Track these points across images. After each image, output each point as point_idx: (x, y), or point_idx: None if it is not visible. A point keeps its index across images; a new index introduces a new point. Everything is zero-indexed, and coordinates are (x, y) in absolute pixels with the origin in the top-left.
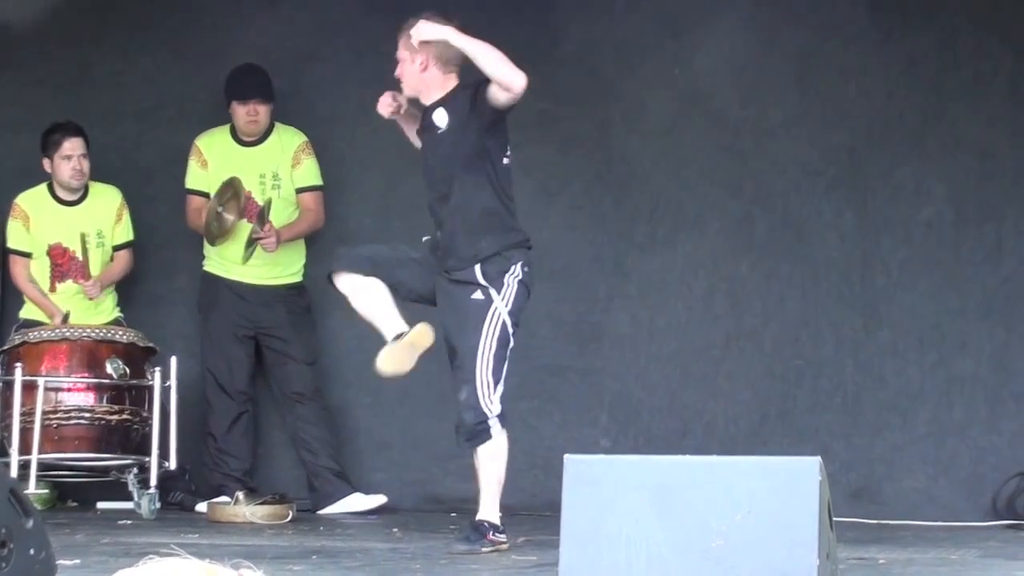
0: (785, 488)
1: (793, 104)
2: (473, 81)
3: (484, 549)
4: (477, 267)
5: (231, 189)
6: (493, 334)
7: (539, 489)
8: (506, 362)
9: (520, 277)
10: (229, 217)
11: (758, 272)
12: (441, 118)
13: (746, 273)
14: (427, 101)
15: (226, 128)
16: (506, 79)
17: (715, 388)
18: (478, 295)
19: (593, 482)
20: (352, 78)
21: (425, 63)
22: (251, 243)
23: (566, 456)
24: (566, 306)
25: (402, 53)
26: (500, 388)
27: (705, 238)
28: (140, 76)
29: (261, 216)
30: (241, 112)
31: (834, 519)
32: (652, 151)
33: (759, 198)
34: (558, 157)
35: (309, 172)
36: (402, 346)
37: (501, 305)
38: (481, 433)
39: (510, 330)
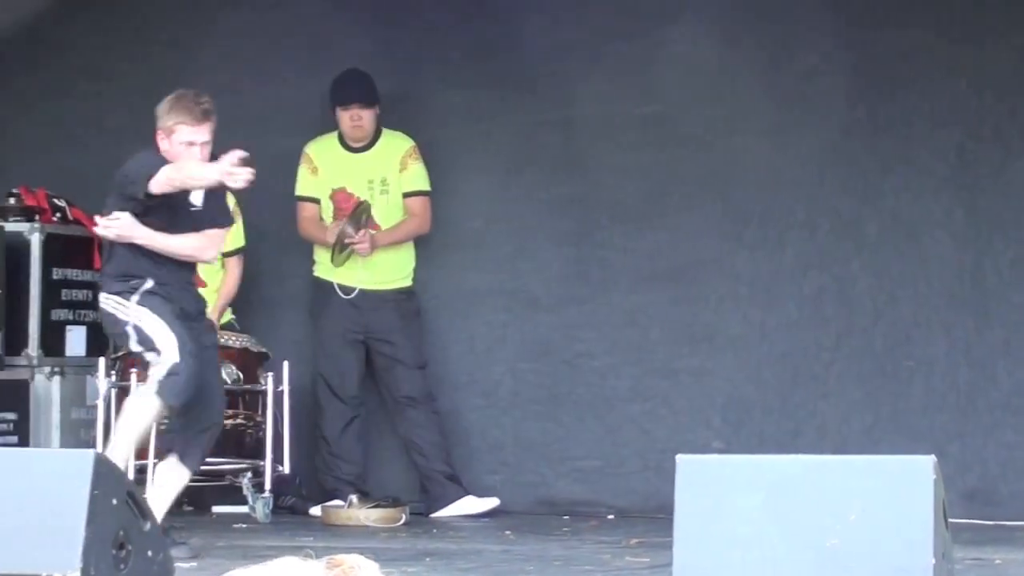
0: (899, 487)
1: (903, 103)
2: None
3: None
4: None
5: (364, 214)
6: None
7: (652, 491)
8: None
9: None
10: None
11: (868, 272)
12: (199, 196)
13: (856, 273)
14: None
15: (335, 134)
16: None
17: (826, 388)
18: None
19: (706, 482)
20: (459, 82)
21: None
22: (344, 247)
23: (678, 457)
24: (677, 308)
25: (208, 135)
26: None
27: (815, 238)
28: (249, 83)
29: (356, 220)
30: (345, 117)
31: (949, 520)
32: (760, 151)
33: (869, 198)
34: (667, 159)
35: (416, 177)
36: None
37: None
38: None
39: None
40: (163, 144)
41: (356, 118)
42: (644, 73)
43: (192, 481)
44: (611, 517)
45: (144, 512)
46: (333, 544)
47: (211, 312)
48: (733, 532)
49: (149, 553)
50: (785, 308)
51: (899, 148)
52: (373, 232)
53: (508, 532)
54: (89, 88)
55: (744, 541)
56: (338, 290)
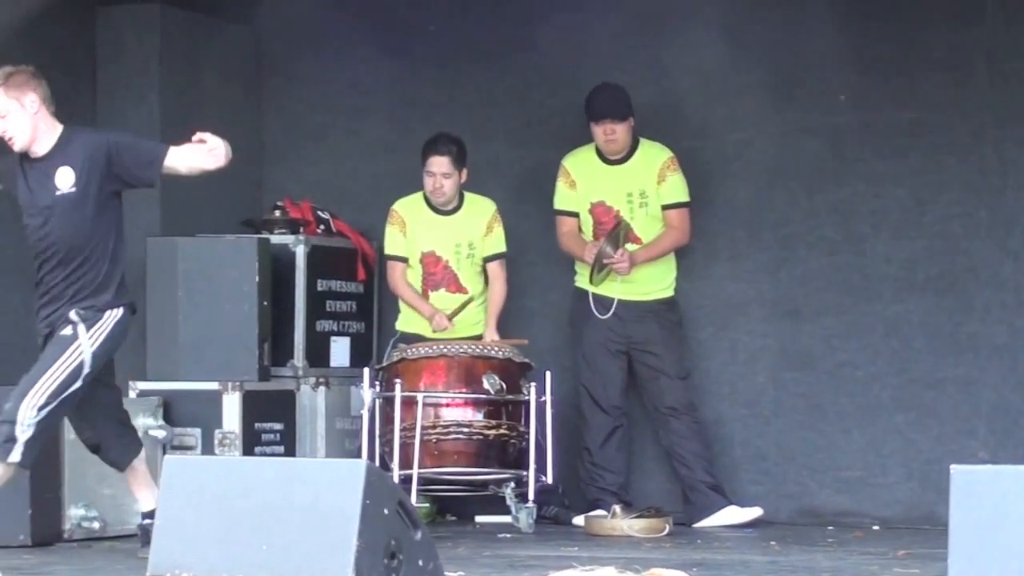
0: None
1: None
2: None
3: None
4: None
5: (622, 233)
6: None
7: (917, 502)
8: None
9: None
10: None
11: None
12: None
13: None
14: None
15: (592, 146)
16: None
17: None
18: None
19: (981, 494)
20: (718, 91)
21: (37, 106)
22: (603, 266)
23: (952, 467)
24: (942, 316)
25: (5, 104)
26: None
27: None
28: (508, 94)
29: (615, 240)
30: (598, 132)
31: None
32: None
33: None
34: (930, 165)
35: (675, 188)
36: None
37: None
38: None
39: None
40: None
41: (609, 132)
42: (902, 77)
43: (455, 491)
44: (875, 528)
45: (415, 521)
46: (598, 554)
47: (488, 327)
48: (1009, 544)
49: (420, 562)
50: None
51: None
52: (633, 247)
53: (773, 543)
54: (351, 102)
55: (1020, 553)
56: (593, 306)
